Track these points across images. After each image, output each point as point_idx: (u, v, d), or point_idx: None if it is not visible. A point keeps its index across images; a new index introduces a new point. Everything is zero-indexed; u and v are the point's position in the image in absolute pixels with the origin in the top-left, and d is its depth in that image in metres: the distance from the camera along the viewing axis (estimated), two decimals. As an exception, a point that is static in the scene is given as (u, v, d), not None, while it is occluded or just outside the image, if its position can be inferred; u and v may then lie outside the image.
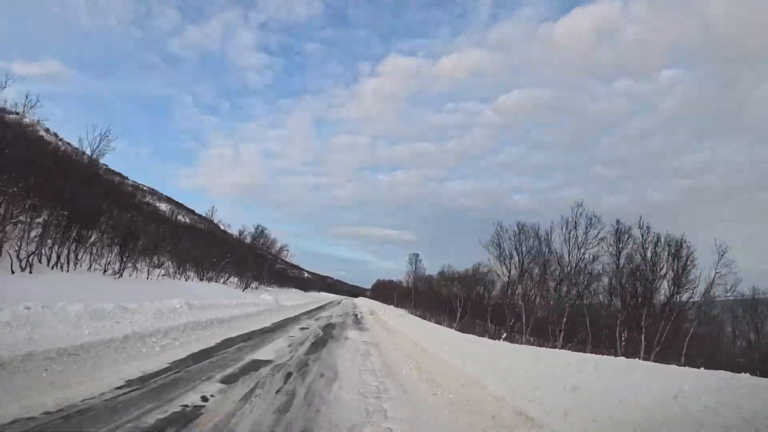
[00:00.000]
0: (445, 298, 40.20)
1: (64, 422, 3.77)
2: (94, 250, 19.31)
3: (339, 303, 51.76)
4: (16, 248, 14.12)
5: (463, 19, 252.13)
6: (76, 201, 17.59)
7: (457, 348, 9.50)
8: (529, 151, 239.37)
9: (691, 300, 13.33)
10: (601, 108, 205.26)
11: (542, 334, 19.61)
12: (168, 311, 12.31)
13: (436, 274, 52.71)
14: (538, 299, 20.44)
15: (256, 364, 7.42)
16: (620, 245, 15.79)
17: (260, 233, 40.48)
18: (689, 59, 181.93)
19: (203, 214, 48.30)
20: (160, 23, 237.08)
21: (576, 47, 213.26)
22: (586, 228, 17.35)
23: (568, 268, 17.43)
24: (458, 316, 26.44)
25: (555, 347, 13.52)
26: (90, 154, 21.28)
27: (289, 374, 6.82)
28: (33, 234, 15.58)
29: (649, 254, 14.50)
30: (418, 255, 55.52)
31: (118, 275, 19.29)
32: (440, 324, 32.97)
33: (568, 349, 12.52)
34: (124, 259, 20.11)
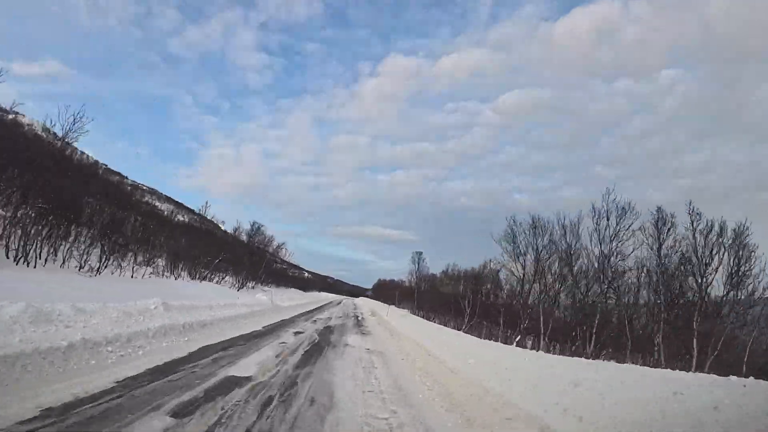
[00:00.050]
0: (450, 298, 38.47)
1: None
2: (69, 245, 17.64)
3: (339, 303, 50.03)
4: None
5: (464, 19, 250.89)
6: (49, 189, 15.97)
7: (483, 357, 7.80)
8: (529, 151, 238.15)
9: (754, 297, 11.61)
10: (601, 108, 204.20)
11: (561, 337, 17.86)
12: (138, 313, 10.61)
13: (439, 273, 50.96)
14: (559, 298, 18.67)
15: (230, 384, 5.72)
16: (662, 236, 14.03)
17: (256, 230, 38.84)
18: (689, 59, 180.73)
19: (195, 209, 46.79)
20: (160, 23, 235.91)
21: (576, 47, 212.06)
22: (619, 217, 15.56)
23: (599, 263, 15.64)
24: (466, 317, 24.68)
25: (584, 355, 11.77)
26: (62, 137, 19.36)
27: (269, 400, 5.13)
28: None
29: (699, 243, 12.72)
30: (421, 253, 53.62)
31: (96, 273, 17.61)
32: (445, 325, 31.28)
33: (604, 359, 10.80)
34: (105, 255, 18.40)
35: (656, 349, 14.28)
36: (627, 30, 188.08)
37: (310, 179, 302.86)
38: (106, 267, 18.66)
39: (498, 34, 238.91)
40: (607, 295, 15.53)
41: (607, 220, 15.67)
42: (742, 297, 12.19)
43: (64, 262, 16.84)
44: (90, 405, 4.23)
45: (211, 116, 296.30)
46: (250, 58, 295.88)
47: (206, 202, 36.14)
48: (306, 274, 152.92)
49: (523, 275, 20.27)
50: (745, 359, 12.05)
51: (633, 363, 9.26)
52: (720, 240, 12.87)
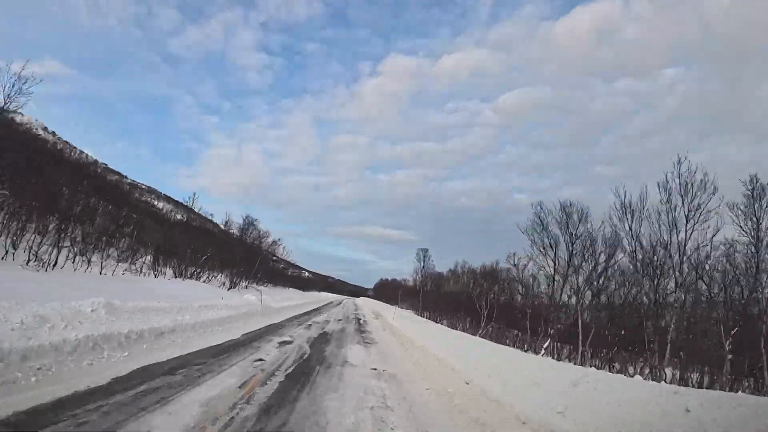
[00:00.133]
0: (460, 298, 35.61)
1: None
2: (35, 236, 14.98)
3: (339, 304, 47.14)
4: None
5: (464, 19, 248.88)
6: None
7: (560, 386, 4.94)
8: (529, 151, 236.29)
9: None
10: (602, 107, 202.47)
11: (598, 347, 15.00)
12: (64, 318, 7.80)
13: (446, 271, 48.09)
14: (598, 298, 15.76)
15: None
16: (760, 214, 11.17)
17: (249, 225, 35.89)
18: (690, 58, 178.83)
19: (180, 201, 43.59)
20: (161, 23, 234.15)
21: (576, 46, 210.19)
22: (693, 196, 12.62)
23: (678, 254, 12.68)
24: (483, 320, 21.85)
25: (660, 377, 8.94)
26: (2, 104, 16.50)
27: None
28: None
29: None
30: (426, 250, 50.75)
31: (47, 267, 14.83)
32: (453, 327, 28.37)
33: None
34: (57, 247, 15.61)
35: (729, 358, 11.43)
36: (627, 29, 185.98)
37: (311, 179, 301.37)
38: (58, 261, 15.87)
39: (498, 33, 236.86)
40: (679, 292, 12.64)
41: (683, 196, 12.64)
42: None
43: (6, 253, 14.09)
44: None
45: (211, 116, 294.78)
46: (250, 58, 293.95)
47: (194, 194, 33.45)
48: (306, 274, 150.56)
49: (554, 270, 17.43)
50: None
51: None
52: None
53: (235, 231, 36.90)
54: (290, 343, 10.50)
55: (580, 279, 16.20)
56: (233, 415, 4.45)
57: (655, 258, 13.17)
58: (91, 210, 21.42)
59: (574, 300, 16.81)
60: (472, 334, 22.01)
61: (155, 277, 23.45)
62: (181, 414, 4.31)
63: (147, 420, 4.01)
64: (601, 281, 15.49)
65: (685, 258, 12.47)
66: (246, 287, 37.79)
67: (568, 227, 16.80)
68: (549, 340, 17.69)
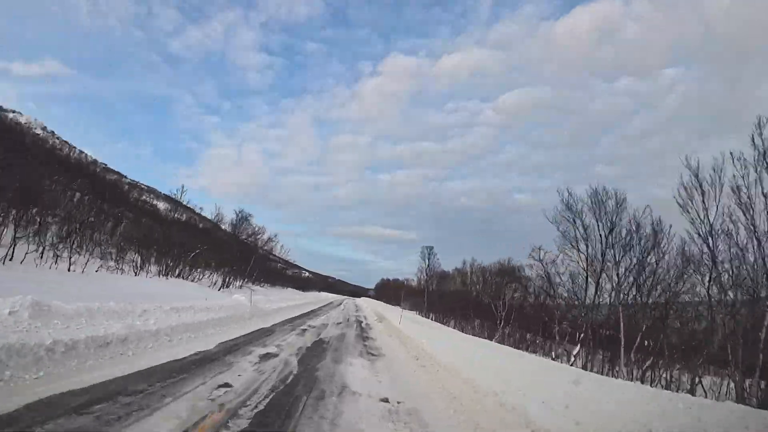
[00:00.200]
0: (468, 298, 33.38)
1: None
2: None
3: (339, 305, 44.83)
4: None
5: (464, 18, 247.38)
6: None
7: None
8: (529, 151, 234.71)
9: None
10: (602, 107, 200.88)
11: (643, 355, 12.74)
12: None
13: (451, 269, 45.83)
14: (645, 298, 13.48)
15: None
16: None
17: (243, 219, 33.52)
18: (690, 58, 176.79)
19: (167, 193, 40.99)
20: (161, 23, 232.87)
21: (577, 46, 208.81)
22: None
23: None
24: (500, 323, 19.59)
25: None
26: None
27: None
28: None
29: None
30: (431, 248, 48.40)
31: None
32: (462, 330, 26.17)
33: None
34: (16, 236, 13.45)
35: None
36: (627, 29, 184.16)
37: (311, 179, 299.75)
38: (14, 255, 13.72)
39: (498, 33, 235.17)
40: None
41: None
42: None
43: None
44: None
45: (211, 116, 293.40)
46: (250, 58, 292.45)
47: (182, 186, 31.10)
48: (306, 274, 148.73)
49: (587, 265, 15.18)
50: None
51: None
52: None
53: (226, 227, 34.61)
54: (275, 356, 8.28)
55: (620, 274, 13.95)
56: None
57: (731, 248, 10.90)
58: (63, 201, 19.30)
59: (608, 299, 14.59)
60: (484, 338, 19.77)
61: (135, 275, 21.27)
62: None
63: None
64: (647, 277, 13.24)
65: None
66: (240, 287, 35.59)
67: (605, 214, 14.61)
68: (579, 346, 15.46)
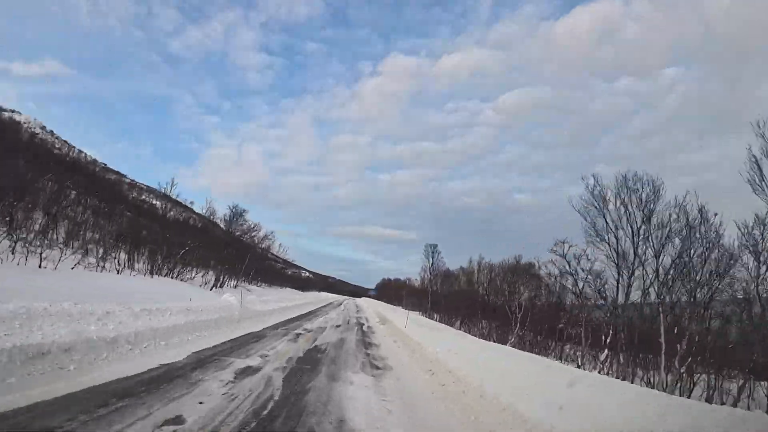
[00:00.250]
0: (473, 298, 31.73)
1: None
2: None
3: (339, 305, 43.18)
4: None
5: (464, 18, 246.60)
6: None
7: None
8: (529, 151, 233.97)
9: None
10: (602, 107, 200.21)
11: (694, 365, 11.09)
12: None
13: (456, 268, 44.15)
14: (692, 298, 11.78)
15: None
16: None
17: (237, 215, 31.69)
18: (690, 58, 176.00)
19: (154, 186, 39.00)
20: (161, 23, 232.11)
21: (577, 46, 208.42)
22: None
23: None
24: (515, 327, 17.94)
25: None
26: None
27: None
28: None
29: None
30: (435, 246, 46.77)
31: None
32: (469, 332, 24.51)
33: None
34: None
35: None
36: (628, 29, 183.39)
37: (311, 179, 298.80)
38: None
39: (498, 33, 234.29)
40: None
41: None
42: None
43: None
44: None
45: (211, 116, 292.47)
46: (250, 58, 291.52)
47: (172, 179, 29.62)
48: (306, 274, 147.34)
49: (618, 261, 13.54)
50: None
51: None
52: None
53: (221, 223, 32.86)
54: (256, 371, 6.66)
55: (659, 269, 12.32)
56: None
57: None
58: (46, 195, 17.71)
59: (638, 297, 12.98)
60: (491, 340, 18.14)
61: (118, 274, 19.66)
62: None
63: None
64: (690, 272, 11.56)
65: None
66: (235, 286, 33.98)
67: (637, 202, 12.99)
68: (606, 352, 13.85)
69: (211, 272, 32.21)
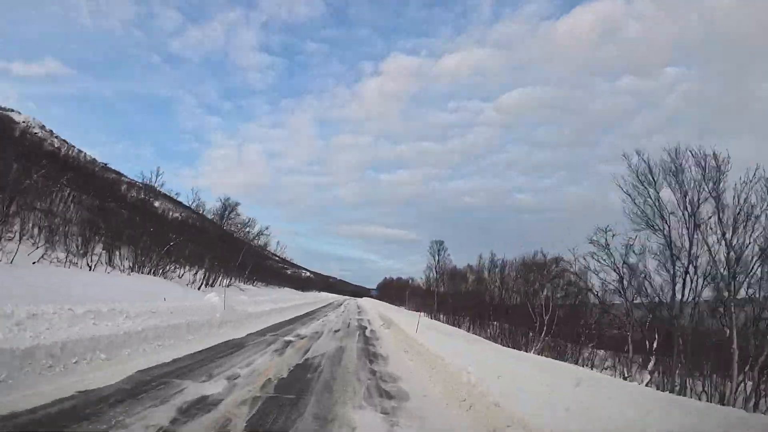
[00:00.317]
0: (480, 299, 29.57)
1: None
2: None
3: (339, 306, 40.98)
4: None
5: (465, 18, 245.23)
6: None
7: None
8: (531, 150, 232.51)
9: None
10: (603, 106, 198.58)
11: None
12: None
13: (463, 266, 41.95)
14: None
15: None
16: None
17: (229, 209, 29.34)
18: (691, 57, 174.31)
19: (133, 178, 36.05)
20: (161, 24, 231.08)
21: (578, 45, 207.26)
22: None
23: None
24: (542, 333, 15.74)
25: None
26: None
27: None
28: None
29: None
30: (442, 243, 44.55)
31: None
32: (476, 334, 22.30)
33: None
34: None
35: None
36: (629, 27, 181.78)
37: (312, 179, 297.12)
38: None
39: (499, 33, 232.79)
40: None
41: None
42: None
43: None
44: None
45: (212, 116, 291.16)
46: (251, 59, 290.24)
47: (157, 168, 27.13)
48: (306, 274, 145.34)
49: (671, 253, 11.37)
50: None
51: None
52: None
53: (213, 217, 30.59)
54: (209, 407, 4.51)
55: (729, 261, 10.15)
56: None
57: None
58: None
59: (691, 295, 10.81)
60: (501, 344, 15.96)
61: (91, 270, 17.55)
62: None
63: None
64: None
65: None
66: (228, 285, 31.84)
67: (693, 182, 10.85)
68: (653, 360, 11.72)
69: (200, 271, 30.09)
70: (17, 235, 15.55)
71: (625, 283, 13.30)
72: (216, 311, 13.39)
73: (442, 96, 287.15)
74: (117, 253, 21.59)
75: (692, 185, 11.22)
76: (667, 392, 10.13)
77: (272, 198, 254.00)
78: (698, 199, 11.01)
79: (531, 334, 17.25)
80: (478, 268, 34.12)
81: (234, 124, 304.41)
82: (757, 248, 10.03)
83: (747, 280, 10.05)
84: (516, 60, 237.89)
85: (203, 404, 4.54)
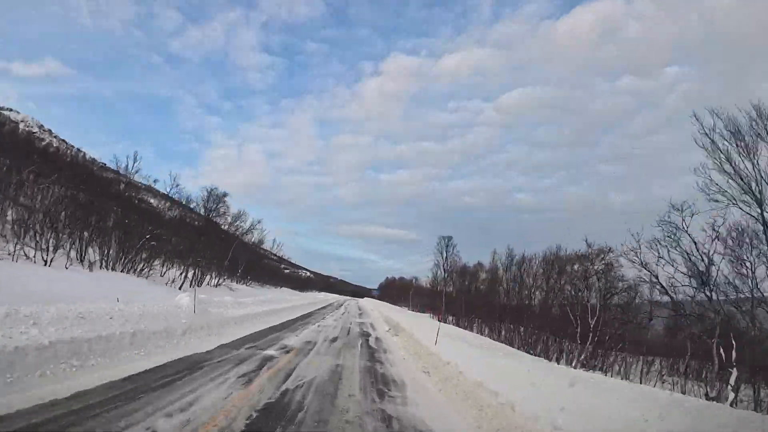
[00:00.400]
0: (491, 302, 26.91)
1: None
2: None
3: (339, 307, 38.23)
4: None
5: (465, 18, 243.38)
6: None
7: None
8: (531, 150, 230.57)
9: None
10: (603, 106, 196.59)
11: None
12: None
13: (473, 264, 39.25)
14: None
15: None
16: None
17: (215, 200, 26.38)
18: (691, 57, 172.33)
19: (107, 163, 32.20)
20: (162, 24, 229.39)
21: (578, 45, 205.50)
22: None
23: None
24: (588, 344, 13.00)
25: None
26: None
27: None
28: None
29: None
30: (450, 238, 41.81)
31: None
32: (489, 338, 19.60)
33: None
34: None
35: None
36: (629, 27, 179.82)
37: (312, 179, 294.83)
38: None
39: (499, 33, 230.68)
40: None
41: None
42: None
43: None
44: None
45: (212, 116, 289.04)
46: (251, 59, 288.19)
47: (135, 153, 24.43)
48: (306, 274, 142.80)
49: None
50: None
51: None
52: None
53: (199, 208, 27.79)
54: None
55: None
56: None
57: None
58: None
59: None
60: (550, 362, 13.29)
61: (46, 265, 14.93)
62: None
63: None
64: None
65: None
66: (217, 285, 29.19)
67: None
68: (735, 373, 9.14)
69: (188, 269, 27.40)
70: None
71: (711, 276, 10.66)
72: (182, 316, 10.75)
73: (442, 96, 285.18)
74: (88, 248, 19.01)
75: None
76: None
77: (272, 198, 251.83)
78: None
79: (565, 341, 14.74)
80: (492, 265, 31.42)
81: (234, 124, 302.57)
82: None
83: None
84: (516, 60, 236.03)
85: None
